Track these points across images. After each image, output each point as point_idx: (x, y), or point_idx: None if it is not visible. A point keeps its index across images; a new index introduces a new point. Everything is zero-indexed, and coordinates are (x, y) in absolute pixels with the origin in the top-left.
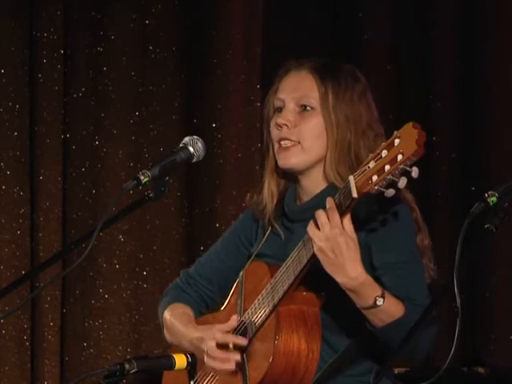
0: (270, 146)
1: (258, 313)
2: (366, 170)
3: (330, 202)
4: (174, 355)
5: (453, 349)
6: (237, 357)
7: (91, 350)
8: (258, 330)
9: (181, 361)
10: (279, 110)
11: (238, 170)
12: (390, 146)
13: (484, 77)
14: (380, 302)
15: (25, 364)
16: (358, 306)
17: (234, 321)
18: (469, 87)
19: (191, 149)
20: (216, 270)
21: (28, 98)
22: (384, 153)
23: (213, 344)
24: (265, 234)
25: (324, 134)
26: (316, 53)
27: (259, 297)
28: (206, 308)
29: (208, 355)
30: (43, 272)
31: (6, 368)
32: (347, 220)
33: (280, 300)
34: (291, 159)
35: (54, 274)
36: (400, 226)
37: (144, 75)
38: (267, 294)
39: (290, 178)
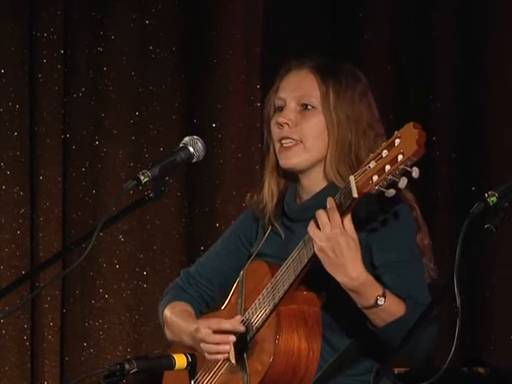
0: (271, 146)
1: (259, 312)
2: (366, 169)
3: (330, 202)
4: (174, 355)
5: (453, 349)
6: (231, 338)
7: (91, 350)
8: (258, 329)
9: (181, 361)
10: (280, 109)
11: (238, 170)
12: (391, 146)
13: (484, 77)
14: (381, 301)
15: (25, 364)
16: (359, 305)
17: (236, 321)
18: (469, 87)
19: (191, 149)
20: (216, 270)
21: (28, 97)
22: (384, 153)
23: (208, 331)
24: (265, 234)
25: (325, 133)
26: (316, 53)
27: (260, 296)
28: (206, 307)
29: (204, 341)
30: (43, 272)
31: (6, 368)
32: (348, 220)
33: (280, 299)
34: (293, 159)
35: (54, 274)
36: (400, 225)
37: (144, 75)
38: (268, 293)
39: (291, 177)
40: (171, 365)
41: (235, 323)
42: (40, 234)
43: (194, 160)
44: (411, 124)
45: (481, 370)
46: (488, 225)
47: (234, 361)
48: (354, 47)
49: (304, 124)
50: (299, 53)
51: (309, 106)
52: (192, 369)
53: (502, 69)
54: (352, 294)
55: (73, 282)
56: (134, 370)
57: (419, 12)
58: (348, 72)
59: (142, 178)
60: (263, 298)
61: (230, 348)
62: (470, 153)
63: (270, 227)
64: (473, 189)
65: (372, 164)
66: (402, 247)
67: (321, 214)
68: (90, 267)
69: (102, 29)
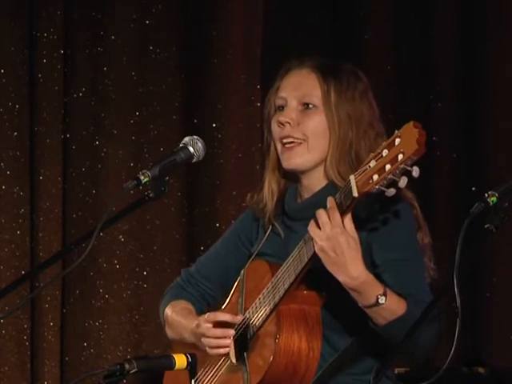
0: (272, 145)
1: (259, 312)
2: (366, 169)
3: (330, 202)
4: (174, 355)
5: (453, 349)
6: (231, 332)
7: (91, 350)
8: (258, 328)
9: (181, 361)
10: (281, 108)
11: (238, 170)
12: (391, 146)
13: (484, 77)
14: (382, 300)
15: (25, 364)
16: (360, 304)
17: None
18: (469, 87)
19: (191, 149)
20: (217, 269)
21: (28, 97)
22: (385, 152)
23: (209, 325)
24: (265, 233)
25: (327, 132)
26: (316, 53)
27: (260, 296)
28: (207, 306)
29: (204, 336)
30: (43, 272)
31: (6, 368)
32: (348, 219)
33: (281, 299)
34: (295, 159)
35: (54, 274)
36: (401, 223)
37: (144, 75)
38: (268, 292)
39: (291, 176)
40: (171, 365)
41: (231, 315)
42: (40, 234)
43: (194, 160)
44: (411, 123)
45: (481, 369)
46: (488, 225)
47: (234, 360)
48: (354, 47)
49: (306, 123)
50: (299, 53)
51: (310, 105)
52: (192, 369)
53: (502, 69)
54: (353, 293)
55: (73, 282)
56: (134, 370)
57: (419, 12)
58: (349, 71)
59: (142, 177)
60: (264, 298)
61: (230, 342)
62: (471, 153)
63: (270, 227)
64: (473, 189)
65: (372, 163)
66: (402, 245)
67: (321, 214)
68: (90, 267)
69: (102, 29)
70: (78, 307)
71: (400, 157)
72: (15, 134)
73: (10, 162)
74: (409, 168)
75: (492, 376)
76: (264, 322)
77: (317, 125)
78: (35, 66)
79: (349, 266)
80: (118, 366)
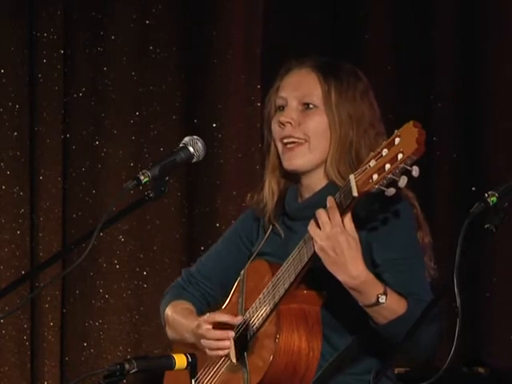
0: (272, 145)
1: (259, 311)
2: (366, 168)
3: (330, 201)
4: (174, 355)
5: (453, 349)
6: (231, 334)
7: (91, 350)
8: (258, 328)
9: (181, 361)
10: (281, 108)
11: (238, 170)
12: (391, 145)
13: (484, 77)
14: (382, 299)
15: (25, 364)
16: (360, 303)
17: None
18: (469, 87)
19: (191, 149)
20: (217, 269)
21: (28, 97)
22: (384, 151)
23: (208, 326)
24: (266, 233)
25: (327, 132)
26: (316, 53)
27: (260, 295)
28: (207, 306)
29: (204, 337)
30: (43, 272)
31: (6, 368)
32: (348, 219)
33: (281, 298)
34: (297, 160)
35: (54, 274)
36: (401, 222)
37: (144, 75)
38: (268, 292)
39: (291, 176)
40: (171, 365)
41: (231, 316)
42: (40, 234)
43: (194, 160)
44: (411, 123)
45: (481, 370)
46: (488, 225)
47: (234, 360)
48: (354, 47)
49: (307, 123)
50: (299, 53)
51: (311, 105)
52: (192, 368)
53: (502, 69)
54: (353, 293)
55: (73, 282)
56: (134, 370)
57: (419, 12)
58: (349, 71)
59: (142, 177)
60: (264, 297)
61: (230, 344)
62: (471, 153)
63: (270, 227)
64: (473, 189)
65: (372, 163)
66: (402, 245)
67: (321, 213)
68: (90, 267)
69: (102, 29)
70: (78, 307)
71: (400, 156)
72: (15, 134)
73: (10, 162)
74: (408, 167)
75: (492, 376)
76: (264, 321)
77: (318, 125)
78: (35, 65)
79: (349, 266)
80: (118, 366)
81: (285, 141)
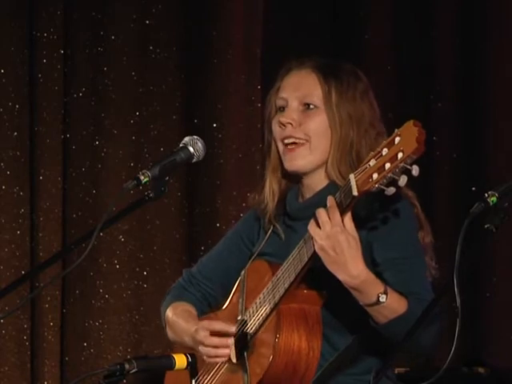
0: (272, 146)
1: (259, 311)
2: (366, 168)
3: (330, 201)
4: (174, 355)
5: (453, 349)
6: (229, 341)
7: (91, 350)
8: (258, 328)
9: (181, 361)
10: (282, 109)
11: (238, 170)
12: (391, 144)
13: (484, 77)
14: (383, 298)
15: (25, 364)
16: (360, 303)
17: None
18: (469, 87)
19: (191, 149)
20: (218, 269)
21: (28, 97)
22: (384, 151)
23: (206, 333)
24: (266, 234)
25: (328, 132)
26: (316, 53)
27: (260, 295)
28: (208, 307)
29: (202, 344)
30: (43, 272)
31: (6, 368)
32: (348, 218)
33: (281, 298)
34: (298, 161)
35: (54, 274)
36: (401, 222)
37: (144, 75)
38: (268, 292)
39: (292, 177)
40: (171, 365)
41: (226, 324)
42: (40, 234)
43: (194, 160)
44: (411, 122)
45: (481, 370)
46: (488, 225)
47: (234, 360)
48: (354, 47)
49: (308, 123)
50: (299, 53)
51: (311, 106)
52: (192, 368)
53: (502, 69)
54: (353, 292)
55: (73, 282)
56: (134, 370)
57: (419, 12)
58: (349, 71)
59: (142, 177)
60: (264, 297)
61: (229, 352)
62: (471, 153)
63: (271, 227)
64: (473, 189)
65: (372, 162)
66: (402, 244)
67: (321, 213)
68: (90, 267)
69: (102, 29)
70: (78, 307)
71: (400, 155)
72: (15, 134)
73: (10, 162)
74: (408, 167)
75: (492, 376)
76: (264, 321)
77: (318, 125)
78: (35, 65)
79: (349, 265)
80: (118, 366)
81: (286, 141)
